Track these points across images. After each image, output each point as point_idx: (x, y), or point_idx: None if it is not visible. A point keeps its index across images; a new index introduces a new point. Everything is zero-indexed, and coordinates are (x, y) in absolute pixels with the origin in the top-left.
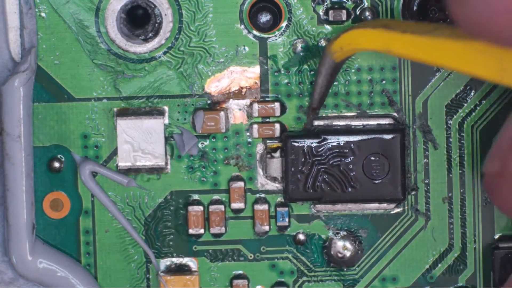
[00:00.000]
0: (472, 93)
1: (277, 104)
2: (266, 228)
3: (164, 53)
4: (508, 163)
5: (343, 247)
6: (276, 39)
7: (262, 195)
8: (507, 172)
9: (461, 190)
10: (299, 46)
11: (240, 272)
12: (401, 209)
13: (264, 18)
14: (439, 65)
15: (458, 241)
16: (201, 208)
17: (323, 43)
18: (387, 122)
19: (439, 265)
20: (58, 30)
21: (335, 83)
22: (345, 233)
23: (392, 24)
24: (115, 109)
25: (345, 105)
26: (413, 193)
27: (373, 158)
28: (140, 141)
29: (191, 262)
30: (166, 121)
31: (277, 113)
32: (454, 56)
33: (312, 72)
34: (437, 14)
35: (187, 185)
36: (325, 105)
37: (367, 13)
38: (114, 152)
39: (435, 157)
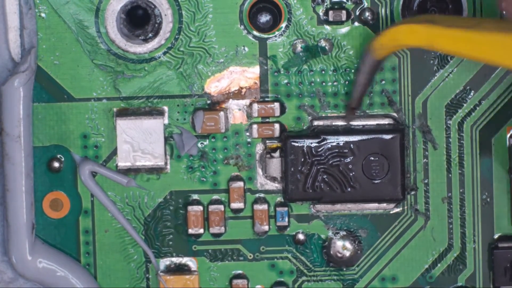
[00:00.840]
0: (471, 93)
1: (276, 104)
2: (266, 228)
3: (164, 53)
4: None
5: (342, 247)
6: (275, 40)
7: (262, 195)
8: None
9: (461, 190)
10: (299, 47)
11: (240, 272)
12: (401, 209)
13: (264, 18)
14: (485, 60)
15: (458, 241)
16: (200, 208)
17: (323, 43)
18: (386, 122)
19: (439, 265)
20: (58, 31)
21: (334, 83)
22: (344, 233)
23: (436, 19)
24: (114, 109)
25: (345, 105)
26: (413, 193)
27: (372, 158)
28: (140, 141)
29: (190, 262)
30: (166, 121)
31: (277, 113)
32: (500, 49)
33: (311, 72)
34: (437, 14)
35: (186, 185)
36: (328, 104)
37: (367, 14)
38: (114, 152)
39: (435, 157)
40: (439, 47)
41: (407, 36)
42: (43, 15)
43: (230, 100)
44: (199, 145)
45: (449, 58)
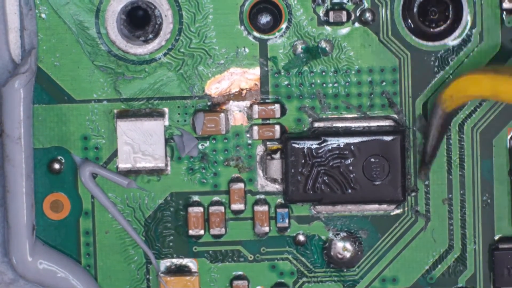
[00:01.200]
0: None
1: (277, 106)
2: (266, 229)
3: (164, 54)
4: None
5: (343, 248)
6: (276, 41)
7: (262, 196)
8: None
9: (461, 192)
10: (299, 48)
11: (240, 273)
12: (401, 210)
13: (264, 19)
14: None
15: (458, 242)
16: (201, 209)
17: (323, 44)
18: (387, 124)
19: (439, 266)
20: (58, 32)
21: (335, 84)
22: (345, 234)
23: (502, 69)
24: (115, 111)
25: (345, 107)
26: (413, 194)
27: (373, 160)
28: (140, 143)
29: (191, 263)
30: (166, 122)
31: (277, 114)
32: None
33: (312, 74)
34: (437, 15)
35: (187, 186)
36: (329, 106)
37: (367, 14)
38: (114, 154)
39: (435, 158)
40: (504, 97)
41: (473, 87)
42: (43, 16)
43: (231, 101)
44: (200, 146)
45: (449, 60)
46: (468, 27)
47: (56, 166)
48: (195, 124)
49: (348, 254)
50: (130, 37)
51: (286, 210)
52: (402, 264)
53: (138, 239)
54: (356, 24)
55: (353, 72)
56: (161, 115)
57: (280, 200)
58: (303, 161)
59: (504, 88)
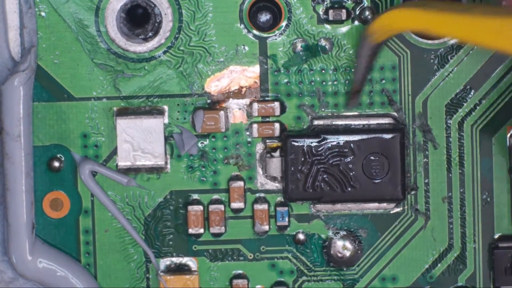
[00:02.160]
0: (471, 93)
1: (276, 104)
2: (266, 227)
3: (164, 52)
4: None
5: (342, 246)
6: (276, 39)
7: (262, 194)
8: None
9: (461, 190)
10: (299, 46)
11: (240, 271)
12: (401, 208)
13: (264, 17)
14: (477, 43)
15: (458, 241)
16: (200, 207)
17: (323, 42)
18: (386, 122)
19: (439, 264)
20: (58, 30)
21: (335, 82)
22: (344, 232)
23: (430, 3)
24: (114, 109)
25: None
26: (413, 192)
27: (372, 158)
28: (140, 141)
29: (190, 261)
30: (166, 120)
31: (277, 112)
32: (489, 33)
33: (312, 72)
34: None
35: (186, 184)
36: (327, 104)
37: (367, 13)
38: (114, 152)
39: (435, 156)
40: (434, 30)
41: (402, 21)
42: (43, 14)
43: (230, 99)
44: (199, 144)
45: (449, 58)
46: None
47: (56, 164)
48: (195, 122)
49: (348, 253)
50: (130, 35)
51: (286, 208)
52: (402, 263)
53: (137, 238)
54: (356, 23)
55: (352, 70)
56: (160, 113)
57: (280, 198)
58: (302, 159)
59: (434, 23)
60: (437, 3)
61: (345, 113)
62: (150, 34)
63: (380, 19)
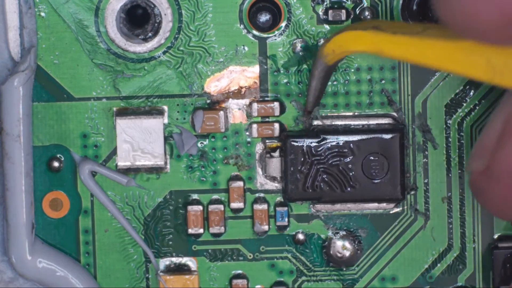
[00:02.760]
0: (471, 93)
1: (276, 104)
2: (266, 227)
3: (164, 52)
4: (496, 160)
5: (342, 246)
6: (275, 39)
7: (262, 194)
8: (494, 170)
9: (460, 190)
10: (298, 46)
11: (240, 271)
12: (401, 208)
13: (264, 17)
14: (430, 66)
15: (458, 241)
16: (200, 207)
17: (322, 42)
18: (386, 122)
19: (438, 264)
20: (57, 30)
21: (335, 82)
22: (344, 232)
23: (382, 25)
24: (114, 109)
25: (344, 105)
26: (412, 192)
27: (372, 158)
28: (140, 141)
29: (190, 261)
30: (166, 120)
31: (277, 112)
32: (444, 56)
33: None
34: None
35: (186, 184)
36: (325, 105)
37: (367, 13)
38: (114, 152)
39: (435, 157)
40: (387, 53)
41: (354, 43)
42: (42, 14)
43: (230, 99)
44: (199, 144)
45: None
46: None
47: (56, 164)
48: (195, 122)
49: (347, 253)
50: (130, 35)
51: (286, 208)
52: (401, 263)
53: (137, 238)
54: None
55: (352, 70)
56: (160, 113)
57: (279, 198)
58: (302, 159)
59: (387, 46)
60: (390, 24)
61: (344, 113)
62: (149, 34)
63: (332, 41)
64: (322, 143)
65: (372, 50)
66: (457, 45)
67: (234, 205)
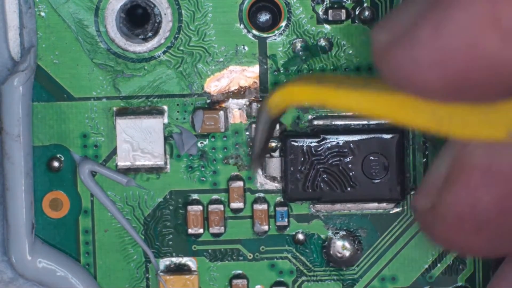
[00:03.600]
0: None
1: None
2: (266, 227)
3: (164, 52)
4: (442, 201)
5: (342, 246)
6: (275, 39)
7: (262, 194)
8: (440, 210)
9: None
10: (298, 46)
11: (240, 271)
12: (401, 208)
13: (264, 17)
14: (374, 118)
15: None
16: (200, 207)
17: (322, 42)
18: (386, 122)
19: (438, 265)
20: (57, 30)
21: None
22: (344, 232)
23: (325, 80)
24: (114, 109)
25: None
26: (412, 192)
27: (372, 158)
28: (140, 141)
29: (190, 261)
30: (166, 120)
31: None
32: (388, 110)
33: (311, 72)
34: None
35: (186, 184)
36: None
37: (367, 13)
38: (114, 152)
39: (435, 157)
40: (330, 106)
41: (298, 96)
42: (42, 14)
43: (230, 99)
44: (199, 144)
45: None
46: None
47: (55, 164)
48: (194, 122)
49: (347, 253)
50: (130, 35)
51: (286, 208)
52: (401, 263)
53: (137, 238)
54: (356, 23)
55: (352, 69)
56: (160, 113)
57: (279, 198)
58: (302, 159)
59: (331, 100)
60: (333, 78)
61: (344, 113)
62: (149, 34)
63: (276, 95)
64: (322, 143)
65: (316, 103)
66: (400, 99)
67: (234, 205)
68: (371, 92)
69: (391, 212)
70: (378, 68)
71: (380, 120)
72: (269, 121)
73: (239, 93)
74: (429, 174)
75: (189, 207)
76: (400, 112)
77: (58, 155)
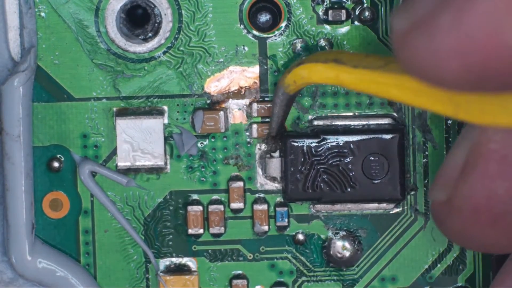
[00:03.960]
0: None
1: None
2: (266, 228)
3: (164, 52)
4: (458, 193)
5: (342, 247)
6: (275, 39)
7: (262, 195)
8: (456, 203)
9: None
10: (298, 46)
11: (240, 272)
12: (401, 209)
13: (264, 18)
14: (392, 100)
15: None
16: (200, 208)
17: (322, 43)
18: (386, 122)
19: (439, 265)
20: (57, 30)
21: None
22: (344, 233)
23: (343, 58)
24: (114, 109)
25: (344, 105)
26: (413, 193)
27: (372, 158)
28: (140, 141)
29: (190, 262)
30: (166, 120)
31: None
32: (406, 92)
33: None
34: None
35: (186, 185)
36: (325, 105)
37: (367, 13)
38: (114, 152)
39: (435, 157)
40: (348, 86)
41: (315, 75)
42: (42, 14)
43: (230, 99)
44: (199, 145)
45: None
46: None
47: (56, 164)
48: (195, 122)
49: (347, 253)
50: (130, 36)
51: (286, 209)
52: (401, 263)
53: (137, 238)
54: (356, 23)
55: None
56: (160, 113)
57: (279, 198)
58: (302, 159)
59: (347, 80)
60: (352, 57)
61: (344, 114)
62: (150, 34)
63: (293, 72)
64: (322, 143)
65: (333, 83)
66: (418, 83)
67: (234, 205)
68: (390, 73)
69: (391, 212)
70: (397, 55)
71: (399, 102)
72: (286, 97)
73: (239, 93)
74: (445, 164)
75: (189, 208)
76: (418, 97)
77: (58, 156)
